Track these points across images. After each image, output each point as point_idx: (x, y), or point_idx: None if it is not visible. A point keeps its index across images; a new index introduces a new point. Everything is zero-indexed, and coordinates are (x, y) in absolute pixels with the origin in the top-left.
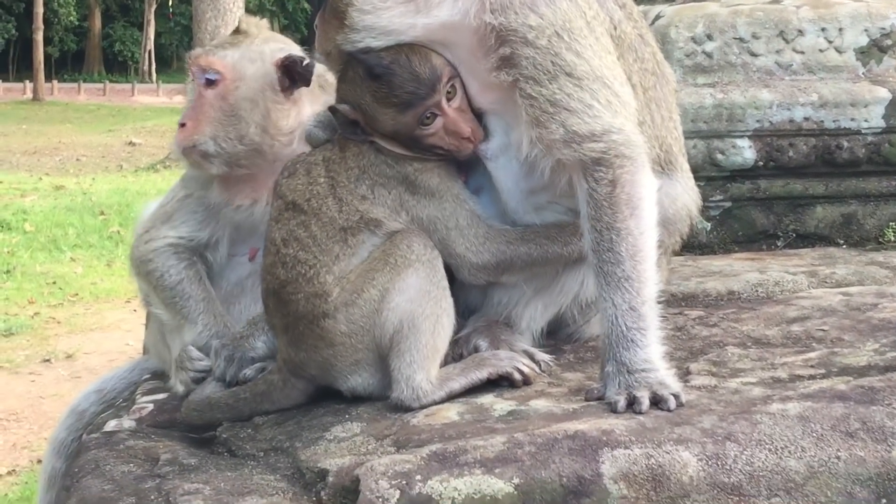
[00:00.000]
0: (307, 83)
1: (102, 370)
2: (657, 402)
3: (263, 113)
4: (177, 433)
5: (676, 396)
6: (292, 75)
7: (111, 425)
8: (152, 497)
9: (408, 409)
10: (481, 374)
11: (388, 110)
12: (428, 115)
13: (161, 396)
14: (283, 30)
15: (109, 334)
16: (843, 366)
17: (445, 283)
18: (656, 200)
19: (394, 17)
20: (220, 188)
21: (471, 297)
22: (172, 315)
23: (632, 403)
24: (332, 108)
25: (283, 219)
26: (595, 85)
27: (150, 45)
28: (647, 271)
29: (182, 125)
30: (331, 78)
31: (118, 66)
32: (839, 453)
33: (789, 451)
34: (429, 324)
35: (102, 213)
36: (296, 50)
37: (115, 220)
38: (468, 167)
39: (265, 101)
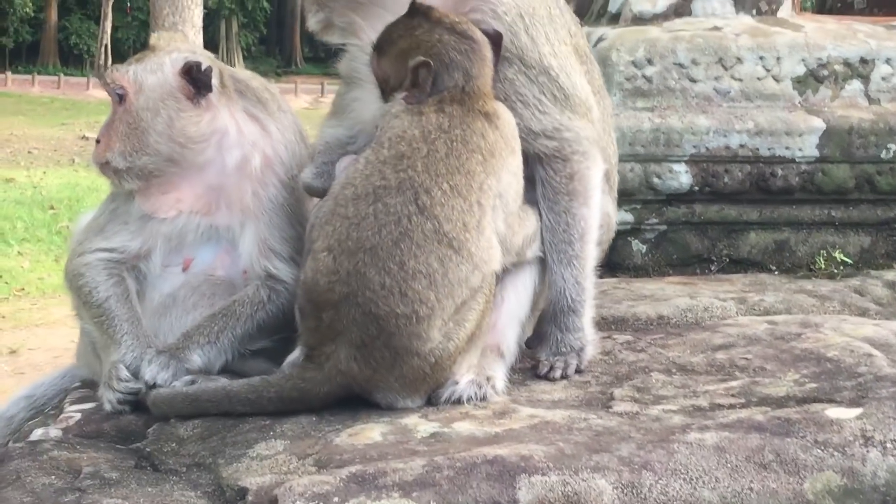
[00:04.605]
0: (208, 88)
1: (47, 366)
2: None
3: (166, 122)
4: (103, 444)
5: (578, 367)
6: (196, 82)
7: (37, 434)
8: None
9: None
10: None
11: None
12: None
13: (89, 406)
14: (242, 28)
15: (55, 330)
16: (762, 395)
17: None
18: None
19: None
20: (142, 200)
21: None
22: (99, 332)
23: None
24: (424, 63)
25: (429, 240)
26: (542, 77)
27: (107, 39)
28: (592, 251)
29: (97, 141)
30: (254, 83)
31: (74, 60)
32: (752, 485)
33: (703, 482)
34: None
35: (52, 208)
36: (202, 57)
37: (65, 215)
38: None
39: (167, 109)
